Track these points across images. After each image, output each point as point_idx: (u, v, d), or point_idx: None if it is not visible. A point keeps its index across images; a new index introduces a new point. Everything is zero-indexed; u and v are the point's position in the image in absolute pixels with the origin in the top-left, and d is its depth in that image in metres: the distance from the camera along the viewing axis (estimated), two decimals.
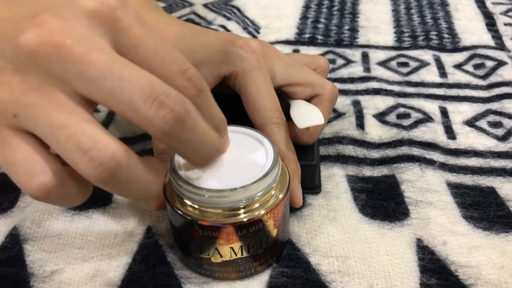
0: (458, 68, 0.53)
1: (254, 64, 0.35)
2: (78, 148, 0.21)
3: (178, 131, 0.23)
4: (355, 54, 0.56)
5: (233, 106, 0.35)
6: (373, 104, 0.47)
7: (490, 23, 0.61)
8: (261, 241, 0.30)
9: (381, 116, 0.46)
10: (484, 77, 0.51)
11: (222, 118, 0.27)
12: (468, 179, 0.39)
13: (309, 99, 0.38)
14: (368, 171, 0.40)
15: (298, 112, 0.36)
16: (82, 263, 0.33)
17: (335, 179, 0.39)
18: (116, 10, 0.24)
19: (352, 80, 0.51)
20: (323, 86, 0.38)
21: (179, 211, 0.29)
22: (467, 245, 0.33)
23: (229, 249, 0.29)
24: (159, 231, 0.35)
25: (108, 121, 0.46)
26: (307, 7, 0.68)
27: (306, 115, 0.35)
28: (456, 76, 0.52)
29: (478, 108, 0.47)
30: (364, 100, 0.48)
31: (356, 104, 0.48)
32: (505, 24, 0.61)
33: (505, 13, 0.64)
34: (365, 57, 0.56)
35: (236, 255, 0.30)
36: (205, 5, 0.69)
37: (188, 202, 0.29)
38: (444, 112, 0.46)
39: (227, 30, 0.61)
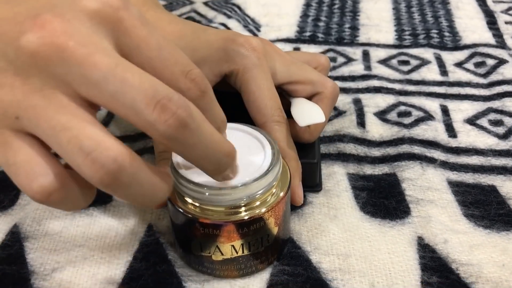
0: (459, 67, 0.53)
1: (255, 62, 0.35)
2: (80, 150, 0.21)
3: (181, 135, 0.22)
4: (355, 52, 0.56)
5: (234, 104, 0.35)
6: (374, 102, 0.47)
7: (491, 22, 0.61)
8: (262, 239, 0.30)
9: (382, 114, 0.46)
10: (485, 75, 0.51)
11: (223, 118, 0.27)
12: (469, 177, 0.39)
13: (310, 97, 0.38)
14: (369, 169, 0.40)
15: (299, 110, 0.36)
16: (82, 261, 0.33)
17: (336, 177, 0.39)
18: (118, 10, 0.23)
19: (353, 78, 0.51)
20: (324, 84, 0.37)
21: (180, 209, 0.29)
22: (468, 243, 0.33)
23: (230, 247, 0.29)
24: (160, 229, 0.35)
25: (108, 119, 0.46)
26: (307, 5, 0.68)
27: (307, 113, 0.35)
28: (457, 75, 0.51)
29: (479, 106, 0.47)
30: (365, 98, 0.48)
31: (357, 102, 0.47)
32: (506, 23, 0.61)
33: (506, 11, 0.64)
34: (366, 55, 0.55)
35: (237, 253, 0.30)
36: (206, 3, 0.69)
37: (189, 200, 0.29)
38: (445, 110, 0.46)
39: (228, 28, 0.61)
